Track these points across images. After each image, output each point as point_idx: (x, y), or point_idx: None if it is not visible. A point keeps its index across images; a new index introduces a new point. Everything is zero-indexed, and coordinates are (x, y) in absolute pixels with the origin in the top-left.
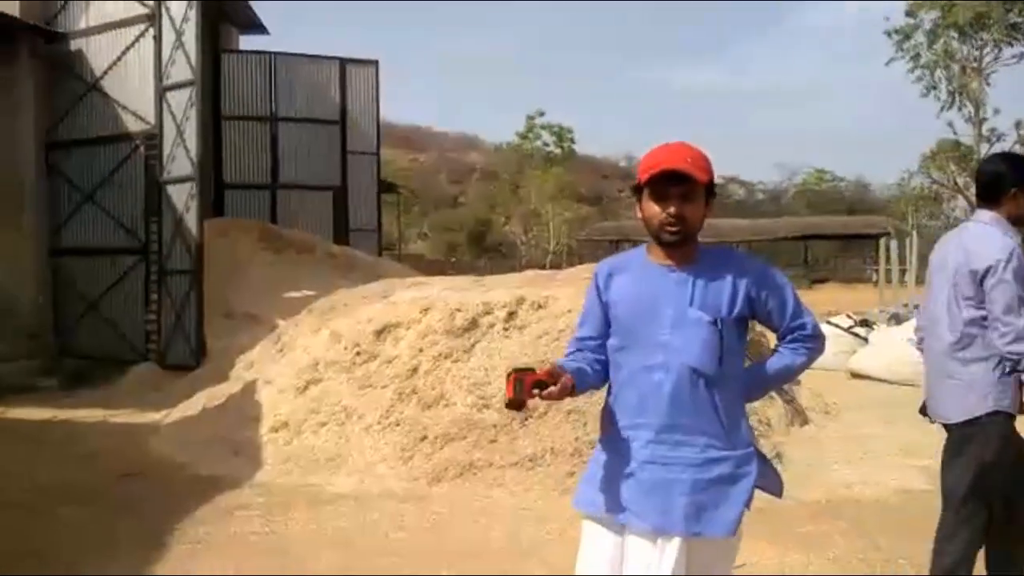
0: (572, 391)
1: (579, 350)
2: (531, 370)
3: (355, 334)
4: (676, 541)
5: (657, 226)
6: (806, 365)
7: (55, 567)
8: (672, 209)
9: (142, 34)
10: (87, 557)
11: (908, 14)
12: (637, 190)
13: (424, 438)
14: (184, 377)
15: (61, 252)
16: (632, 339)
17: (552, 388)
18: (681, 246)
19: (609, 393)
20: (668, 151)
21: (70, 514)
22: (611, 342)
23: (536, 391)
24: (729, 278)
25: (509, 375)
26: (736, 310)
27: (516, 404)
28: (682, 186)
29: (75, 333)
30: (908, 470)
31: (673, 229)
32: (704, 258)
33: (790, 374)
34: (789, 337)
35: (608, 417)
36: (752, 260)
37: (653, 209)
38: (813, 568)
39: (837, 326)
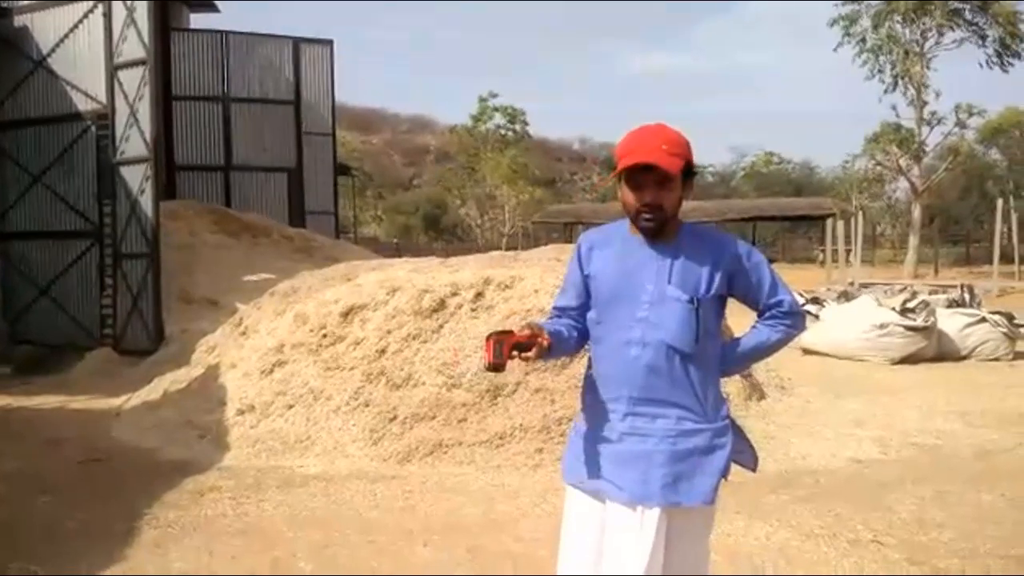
0: (549, 351)
1: (558, 317)
2: (509, 333)
3: (321, 316)
4: (656, 510)
5: (634, 214)
6: (783, 342)
7: (28, 557)
8: (647, 199)
9: (91, 10)
10: (60, 546)
11: None
12: (618, 174)
13: (393, 418)
14: (142, 362)
15: (8, 236)
16: (611, 314)
17: (528, 353)
18: (659, 232)
19: (589, 366)
20: (642, 139)
21: (38, 502)
22: (591, 315)
23: (516, 352)
24: (708, 257)
25: (488, 338)
26: (713, 289)
27: (496, 367)
28: (656, 174)
29: (27, 319)
30: (860, 441)
31: (648, 217)
32: (684, 236)
33: (766, 350)
34: (767, 314)
35: (588, 389)
36: (730, 238)
37: (629, 197)
38: (776, 537)
39: None
